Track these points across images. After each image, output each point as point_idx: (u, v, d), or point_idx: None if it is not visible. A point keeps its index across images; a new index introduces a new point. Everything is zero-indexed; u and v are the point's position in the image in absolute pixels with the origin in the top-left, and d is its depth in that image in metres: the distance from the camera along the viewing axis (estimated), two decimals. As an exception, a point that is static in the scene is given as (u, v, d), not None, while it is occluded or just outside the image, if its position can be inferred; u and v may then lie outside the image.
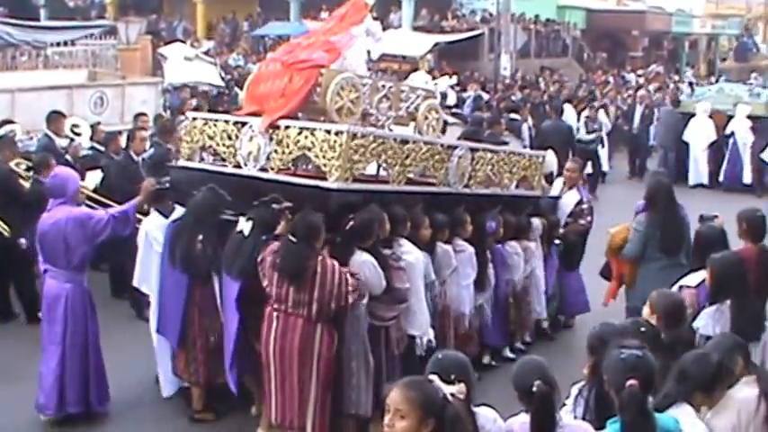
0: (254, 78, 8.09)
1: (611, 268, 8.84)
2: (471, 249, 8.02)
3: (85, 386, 7.39)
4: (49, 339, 7.32)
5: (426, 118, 8.33)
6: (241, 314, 6.85)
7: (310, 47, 7.82)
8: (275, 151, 7.25)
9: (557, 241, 9.62)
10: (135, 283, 8.01)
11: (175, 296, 7.36)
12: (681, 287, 6.51)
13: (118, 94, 14.88)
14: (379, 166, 7.66)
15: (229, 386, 7.14)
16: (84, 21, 25.42)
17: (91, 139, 12.13)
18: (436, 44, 28.59)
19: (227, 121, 7.74)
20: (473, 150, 8.29)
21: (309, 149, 7.07)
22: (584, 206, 9.72)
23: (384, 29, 30.51)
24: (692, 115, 19.79)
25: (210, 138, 7.74)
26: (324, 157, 6.95)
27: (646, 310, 5.56)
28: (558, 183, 10.15)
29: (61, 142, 11.65)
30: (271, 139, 7.27)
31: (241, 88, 19.76)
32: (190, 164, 7.95)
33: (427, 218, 7.58)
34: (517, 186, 9.11)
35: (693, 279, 6.54)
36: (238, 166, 7.50)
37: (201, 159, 8.10)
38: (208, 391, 7.52)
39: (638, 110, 21.86)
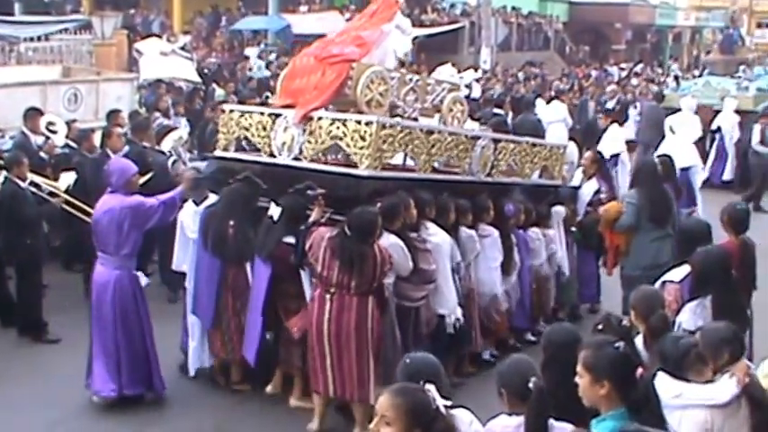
0: (289, 73, 8.76)
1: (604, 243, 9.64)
2: (496, 233, 8.67)
3: (146, 368, 7.82)
4: (99, 325, 7.72)
5: (451, 110, 8.94)
6: (269, 293, 7.57)
7: (342, 42, 8.48)
8: (308, 141, 7.91)
9: (572, 229, 10.24)
10: (174, 266, 8.55)
11: (208, 279, 8.00)
12: (664, 282, 6.67)
13: (92, 91, 14.78)
14: (405, 155, 8.31)
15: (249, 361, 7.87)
16: (58, 15, 25.29)
17: (66, 136, 11.98)
18: (415, 38, 28.51)
19: (262, 113, 8.41)
20: (496, 141, 9.00)
21: (341, 139, 7.73)
22: (603, 195, 10.25)
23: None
24: (677, 110, 19.18)
25: (246, 129, 8.40)
26: (355, 146, 7.62)
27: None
28: (579, 173, 10.82)
29: (37, 140, 11.56)
30: (304, 129, 7.93)
31: (219, 84, 19.76)
32: (226, 154, 8.61)
33: (452, 203, 8.26)
34: (540, 176, 9.86)
35: (677, 274, 6.68)
36: (273, 156, 8.14)
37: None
38: (244, 365, 8.13)
39: (610, 105, 21.43)
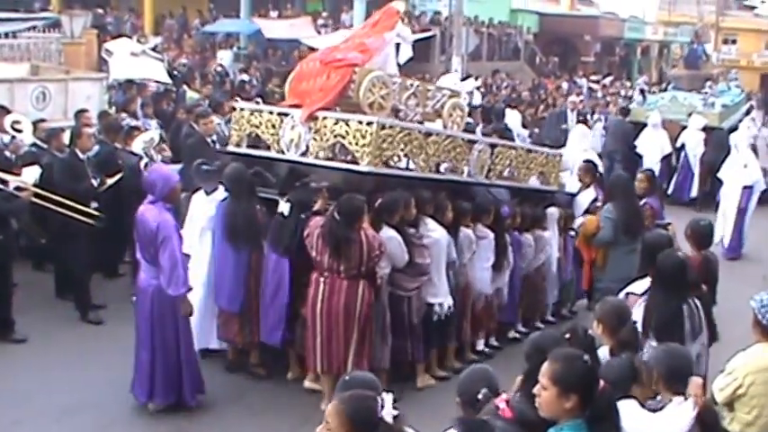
0: (296, 75, 9.42)
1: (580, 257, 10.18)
2: (491, 235, 9.30)
3: (177, 379, 7.81)
4: (139, 332, 7.78)
5: (451, 115, 9.66)
6: (291, 285, 8.19)
7: (347, 49, 9.17)
8: (314, 139, 8.55)
9: (572, 233, 10.84)
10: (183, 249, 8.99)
11: (235, 267, 8.43)
12: (627, 294, 6.75)
13: (61, 90, 14.76)
14: (407, 157, 8.84)
15: (273, 345, 8.42)
16: (26, 13, 25.11)
17: (33, 135, 11.88)
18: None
19: (271, 112, 9.07)
20: (492, 146, 9.64)
21: (344, 137, 8.37)
22: (599, 203, 10.67)
23: (335, 29, 30.33)
24: (644, 125, 19.58)
25: (256, 126, 9.05)
26: (356, 144, 8.26)
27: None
28: (575, 181, 11.39)
29: (3, 138, 11.43)
30: (310, 128, 8.56)
31: (189, 85, 19.68)
32: (237, 149, 9.22)
33: (450, 203, 8.85)
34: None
35: (639, 286, 6.75)
36: (281, 152, 8.77)
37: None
38: (262, 349, 8.69)
39: (571, 117, 21.12)
